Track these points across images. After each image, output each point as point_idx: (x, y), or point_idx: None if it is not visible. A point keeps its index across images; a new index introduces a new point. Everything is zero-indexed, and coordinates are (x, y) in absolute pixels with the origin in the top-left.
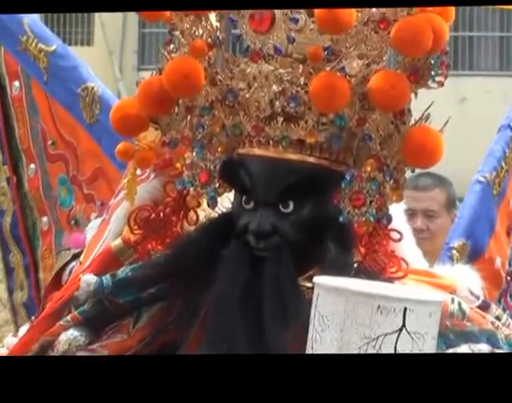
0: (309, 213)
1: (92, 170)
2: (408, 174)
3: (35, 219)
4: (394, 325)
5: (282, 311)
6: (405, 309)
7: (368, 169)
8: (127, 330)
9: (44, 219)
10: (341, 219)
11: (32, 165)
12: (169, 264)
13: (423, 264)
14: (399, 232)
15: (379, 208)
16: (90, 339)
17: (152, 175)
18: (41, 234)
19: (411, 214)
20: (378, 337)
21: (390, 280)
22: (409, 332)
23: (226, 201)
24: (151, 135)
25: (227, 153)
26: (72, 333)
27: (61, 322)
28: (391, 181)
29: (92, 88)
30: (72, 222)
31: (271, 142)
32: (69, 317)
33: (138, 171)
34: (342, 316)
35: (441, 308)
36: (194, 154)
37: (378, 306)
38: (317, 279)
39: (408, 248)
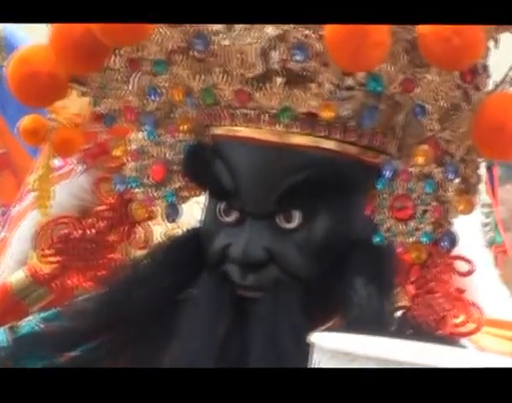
0: (324, 230)
1: None
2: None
3: None
4: None
5: None
6: None
7: (421, 160)
8: None
9: None
10: (376, 240)
11: None
12: (103, 311)
13: (507, 310)
14: (468, 261)
15: (438, 223)
16: None
17: (78, 169)
18: None
19: None
20: None
21: (453, 336)
22: None
23: (194, 209)
24: (75, 105)
25: (196, 134)
26: None
27: None
28: (457, 180)
29: None
30: None
31: (264, 117)
32: None
33: (56, 162)
34: None
35: None
36: (143, 134)
37: None
38: (316, 338)
39: (483, 286)
